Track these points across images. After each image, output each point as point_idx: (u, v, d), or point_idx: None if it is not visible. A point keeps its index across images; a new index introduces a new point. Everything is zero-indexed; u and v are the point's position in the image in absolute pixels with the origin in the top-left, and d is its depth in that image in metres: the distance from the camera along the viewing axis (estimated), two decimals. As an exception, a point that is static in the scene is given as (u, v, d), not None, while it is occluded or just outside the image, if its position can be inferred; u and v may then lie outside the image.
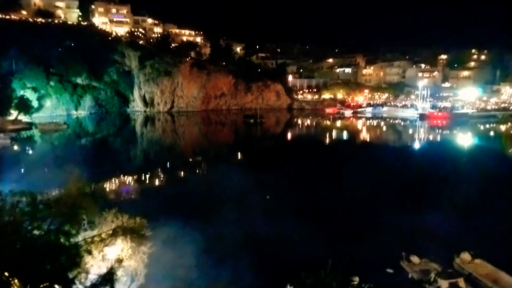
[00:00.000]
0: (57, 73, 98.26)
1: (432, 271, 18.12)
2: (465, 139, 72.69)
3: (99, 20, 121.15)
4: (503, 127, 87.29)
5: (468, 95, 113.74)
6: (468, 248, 20.28)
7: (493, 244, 21.02)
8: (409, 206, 29.87)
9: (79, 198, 12.56)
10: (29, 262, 9.83)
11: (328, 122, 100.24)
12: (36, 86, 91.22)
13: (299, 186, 36.22)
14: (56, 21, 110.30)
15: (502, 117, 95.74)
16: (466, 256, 19.79)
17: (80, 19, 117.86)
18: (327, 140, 73.71)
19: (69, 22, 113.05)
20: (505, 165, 46.79)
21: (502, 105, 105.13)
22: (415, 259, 19.76)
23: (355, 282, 11.47)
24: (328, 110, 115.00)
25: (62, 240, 11.13)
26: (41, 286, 9.69)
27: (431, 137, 78.17)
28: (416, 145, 66.15)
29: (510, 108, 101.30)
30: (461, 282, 17.13)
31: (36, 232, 11.17)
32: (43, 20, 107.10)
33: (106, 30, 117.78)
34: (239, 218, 26.92)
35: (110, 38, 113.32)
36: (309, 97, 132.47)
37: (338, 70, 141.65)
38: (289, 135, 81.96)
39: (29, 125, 79.36)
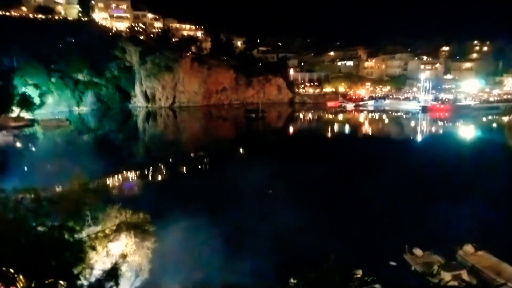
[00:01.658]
0: (58, 69, 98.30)
1: (435, 264, 18.14)
2: (467, 131, 72.48)
3: (99, 16, 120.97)
4: (505, 119, 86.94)
5: (471, 87, 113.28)
6: (471, 240, 20.30)
7: (496, 236, 21.04)
8: (412, 199, 29.88)
9: (82, 194, 12.62)
10: (33, 258, 9.89)
11: (330, 116, 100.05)
12: (37, 83, 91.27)
13: (301, 180, 36.21)
14: (56, 17, 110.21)
15: (504, 108, 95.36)
16: (469, 248, 19.81)
17: (80, 15, 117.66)
18: (329, 134, 73.63)
19: (69, 18, 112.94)
20: (508, 157, 46.67)
21: (505, 97, 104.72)
22: (418, 251, 19.79)
23: (358, 275, 11.51)
24: (330, 104, 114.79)
25: (66, 236, 11.19)
26: (46, 282, 9.76)
27: (433, 130, 77.94)
28: (419, 138, 66.02)
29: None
30: (464, 274, 17.17)
31: (40, 228, 11.23)
32: (43, 16, 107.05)
33: (107, 26, 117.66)
34: (242, 212, 26.99)
35: (110, 33, 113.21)
36: (310, 90, 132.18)
37: (339, 63, 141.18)
38: (291, 129, 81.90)
39: (31, 122, 79.54)
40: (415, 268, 18.74)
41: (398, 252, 20.00)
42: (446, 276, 16.01)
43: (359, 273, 14.13)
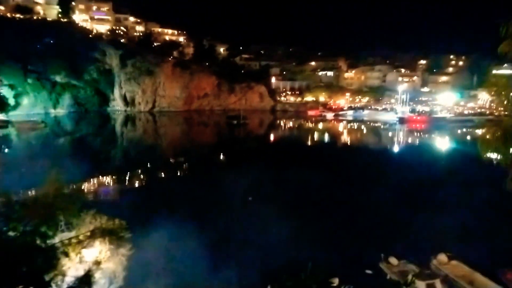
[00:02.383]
0: (35, 70, 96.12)
1: (410, 272, 18.45)
2: (442, 143, 74.34)
3: (80, 17, 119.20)
4: (479, 132, 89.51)
5: (446, 100, 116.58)
6: (445, 249, 20.74)
7: (469, 246, 21.56)
8: (387, 208, 30.36)
9: (56, 199, 12.29)
10: (3, 264, 9.57)
11: (310, 125, 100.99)
12: (13, 84, 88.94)
13: (281, 188, 36.35)
14: (35, 17, 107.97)
15: (478, 121, 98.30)
16: (442, 257, 20.21)
17: (60, 15, 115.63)
18: (309, 143, 74.26)
19: (48, 19, 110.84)
20: (481, 168, 47.98)
21: (479, 110, 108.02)
22: (393, 260, 20.06)
23: (335, 284, 11.59)
24: (311, 113, 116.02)
25: (38, 241, 10.88)
26: (16, 289, 9.45)
27: (409, 141, 79.64)
28: (395, 148, 67.29)
29: (486, 113, 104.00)
30: (437, 283, 17.48)
31: (11, 233, 10.88)
32: (21, 16, 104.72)
33: (87, 28, 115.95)
34: (221, 219, 26.85)
35: (90, 35, 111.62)
36: (292, 99, 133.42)
37: (320, 73, 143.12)
38: (272, 137, 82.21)
39: (5, 124, 77.17)
40: (390, 277, 18.97)
41: (374, 260, 20.24)
42: (420, 285, 16.31)
43: (336, 281, 14.22)
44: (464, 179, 38.73)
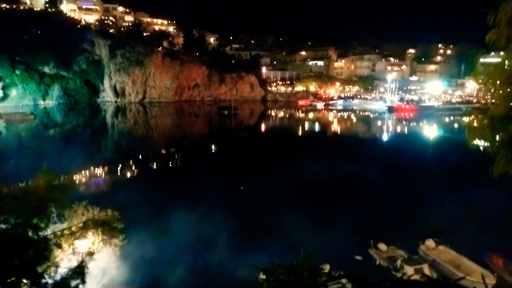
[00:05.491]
0: (23, 61, 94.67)
1: (399, 258, 18.86)
2: (430, 131, 75.12)
3: (67, 7, 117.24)
4: (466, 120, 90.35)
5: (434, 89, 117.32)
6: (432, 235, 21.18)
7: (456, 231, 22.03)
8: (376, 195, 30.79)
9: (48, 191, 12.30)
10: (-5, 257, 9.58)
11: (301, 114, 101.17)
12: (0, 75, 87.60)
13: (272, 177, 36.54)
14: (21, 8, 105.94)
15: (466, 110, 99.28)
16: (430, 243, 20.67)
17: (47, 5, 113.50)
18: (300, 132, 74.50)
19: (35, 9, 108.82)
20: (467, 156, 48.67)
21: (466, 98, 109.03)
22: (382, 246, 20.46)
23: (326, 270, 11.82)
24: (301, 102, 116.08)
25: (30, 233, 10.89)
26: (8, 280, 9.49)
27: (398, 129, 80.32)
28: (385, 137, 67.83)
29: (474, 101, 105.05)
30: (425, 268, 17.89)
31: (2, 226, 10.88)
32: (7, 6, 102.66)
33: (75, 18, 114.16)
34: (212, 209, 26.97)
35: (79, 26, 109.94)
36: (282, 89, 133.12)
37: (310, 63, 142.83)
38: (263, 127, 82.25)
39: (-6, 116, 76.30)
40: (379, 262, 19.36)
41: (364, 246, 20.61)
42: (409, 270, 16.67)
43: (327, 267, 14.55)
44: (452, 166, 39.31)
